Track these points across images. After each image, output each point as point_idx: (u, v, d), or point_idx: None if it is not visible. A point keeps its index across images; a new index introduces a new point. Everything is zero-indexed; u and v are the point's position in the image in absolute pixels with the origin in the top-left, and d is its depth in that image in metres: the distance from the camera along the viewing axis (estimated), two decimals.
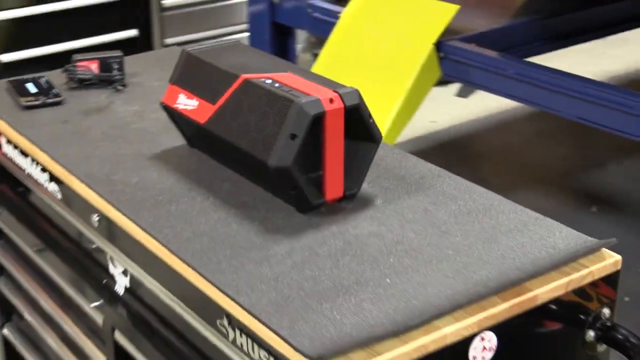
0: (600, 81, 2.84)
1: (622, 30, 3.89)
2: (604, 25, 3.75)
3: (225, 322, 1.19)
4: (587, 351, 1.28)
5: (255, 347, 1.14)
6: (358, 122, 1.36)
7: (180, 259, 1.26)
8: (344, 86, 1.36)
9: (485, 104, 4.69)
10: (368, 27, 3.26)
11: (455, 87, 4.88)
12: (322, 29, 3.46)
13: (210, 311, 1.21)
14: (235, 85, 1.41)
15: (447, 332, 1.11)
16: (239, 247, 1.28)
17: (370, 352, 1.07)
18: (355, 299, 1.15)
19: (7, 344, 2.06)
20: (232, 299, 1.17)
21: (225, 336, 1.19)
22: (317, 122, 1.31)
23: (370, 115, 1.37)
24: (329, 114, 1.32)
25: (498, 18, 3.55)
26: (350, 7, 3.31)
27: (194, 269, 1.24)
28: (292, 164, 1.31)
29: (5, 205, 1.87)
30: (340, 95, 1.33)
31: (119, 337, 1.51)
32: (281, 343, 1.09)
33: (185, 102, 1.50)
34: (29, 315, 1.88)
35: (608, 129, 2.66)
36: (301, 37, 4.50)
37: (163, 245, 1.30)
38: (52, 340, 1.79)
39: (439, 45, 3.05)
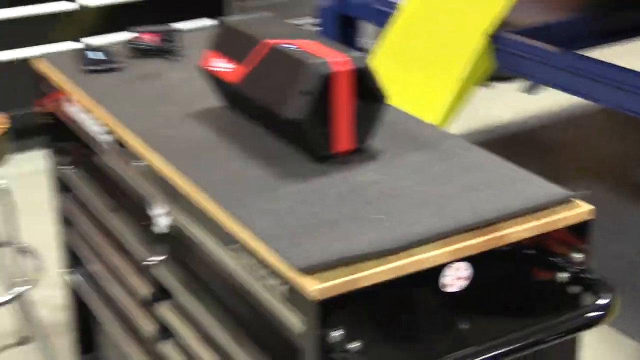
0: None
1: None
2: None
3: (237, 246, 1.38)
4: (560, 291, 1.43)
5: (260, 265, 1.33)
6: (366, 84, 1.54)
7: (206, 195, 1.46)
8: (355, 52, 1.54)
9: (551, 100, 4.78)
10: (425, 18, 3.42)
11: (520, 84, 5.00)
12: (384, 20, 3.63)
13: (226, 237, 1.40)
14: (262, 50, 1.61)
15: (422, 257, 1.28)
16: (255, 188, 1.47)
17: (352, 269, 1.25)
18: (347, 230, 1.33)
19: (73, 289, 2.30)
20: (244, 227, 1.36)
21: (237, 258, 1.39)
22: (327, 81, 1.50)
23: (377, 78, 1.54)
24: (338, 74, 1.50)
25: (556, 13, 3.66)
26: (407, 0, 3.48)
27: (216, 203, 1.43)
28: (304, 117, 1.50)
29: (70, 161, 2.11)
30: (350, 59, 1.51)
31: (157, 271, 1.72)
32: (279, 261, 1.27)
33: (220, 66, 1.70)
34: (90, 261, 2.11)
35: None
36: (372, 30, 4.67)
37: (193, 185, 1.50)
38: (108, 281, 2.02)
39: (493, 38, 3.18)
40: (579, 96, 3.08)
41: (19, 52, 3.90)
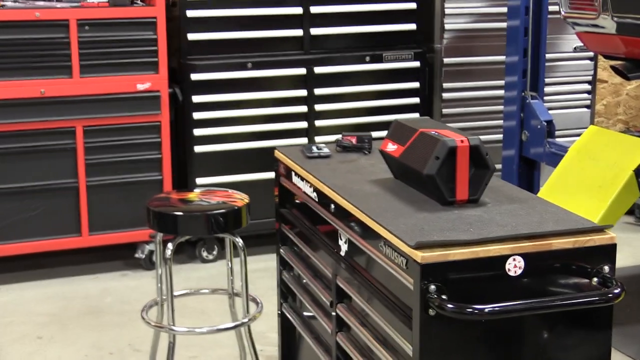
0: None
1: None
2: None
3: (382, 243, 2.23)
4: (594, 292, 2.15)
5: (395, 254, 2.17)
6: (479, 156, 2.39)
7: (370, 218, 2.34)
8: (472, 135, 2.40)
9: None
10: (586, 157, 4.19)
11: None
12: (555, 161, 4.43)
13: (377, 240, 2.27)
14: (415, 135, 2.50)
15: (491, 248, 2.08)
16: (401, 214, 2.34)
17: (445, 249, 2.07)
18: (450, 233, 2.16)
19: (284, 317, 3.21)
20: (388, 231, 2.22)
21: (382, 252, 2.24)
22: (452, 151, 2.36)
23: (487, 153, 2.39)
24: (459, 148, 2.36)
25: None
26: (575, 144, 4.28)
27: (375, 221, 2.31)
28: (435, 173, 2.36)
29: (288, 221, 3.06)
30: (468, 139, 2.37)
31: (339, 281, 2.59)
32: (402, 244, 2.12)
33: (390, 147, 2.61)
34: (298, 293, 3.02)
35: None
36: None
37: (364, 214, 2.38)
38: (307, 304, 2.91)
39: (638, 172, 3.90)
40: None
41: (259, 175, 5.02)
